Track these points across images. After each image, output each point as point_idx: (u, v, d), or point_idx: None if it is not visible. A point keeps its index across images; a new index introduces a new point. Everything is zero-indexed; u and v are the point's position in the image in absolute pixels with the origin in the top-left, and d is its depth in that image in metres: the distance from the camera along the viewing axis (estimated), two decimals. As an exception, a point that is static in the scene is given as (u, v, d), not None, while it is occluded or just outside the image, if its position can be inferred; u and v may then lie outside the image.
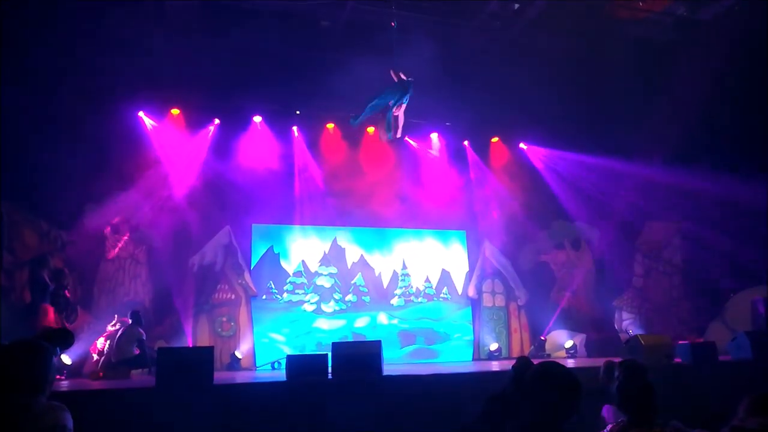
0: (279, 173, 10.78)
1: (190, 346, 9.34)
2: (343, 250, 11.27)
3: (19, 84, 8.24)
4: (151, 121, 10.14)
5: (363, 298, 11.13)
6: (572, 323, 11.82)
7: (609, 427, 2.94)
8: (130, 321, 8.26)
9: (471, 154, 12.32)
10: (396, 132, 8.95)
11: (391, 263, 11.51)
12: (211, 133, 10.52)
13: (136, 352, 8.03)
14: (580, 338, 11.32)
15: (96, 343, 8.19)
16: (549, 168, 12.33)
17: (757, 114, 10.08)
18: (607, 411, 4.02)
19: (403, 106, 8.67)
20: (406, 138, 11.49)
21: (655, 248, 12.71)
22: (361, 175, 11.20)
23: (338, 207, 10.99)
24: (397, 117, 8.79)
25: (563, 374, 2.33)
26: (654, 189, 11.94)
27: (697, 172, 11.20)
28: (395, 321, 11.17)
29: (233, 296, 10.25)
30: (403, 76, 8.59)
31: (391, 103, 8.65)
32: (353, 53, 9.23)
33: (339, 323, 10.78)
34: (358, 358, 6.43)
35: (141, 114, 10.03)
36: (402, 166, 11.57)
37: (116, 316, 8.54)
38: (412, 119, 9.12)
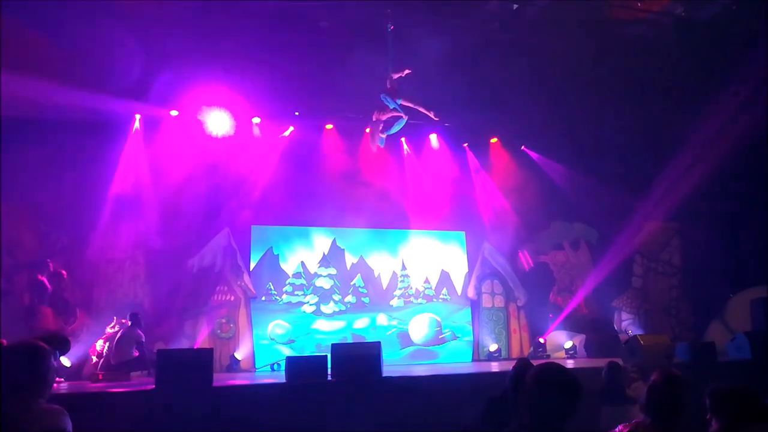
0: (278, 174, 10.76)
1: (190, 347, 9.33)
2: (343, 251, 11.27)
3: (20, 84, 8.22)
4: (150, 123, 10.12)
5: (362, 299, 11.12)
6: (572, 324, 11.81)
7: (630, 423, 2.87)
8: (129, 323, 8.25)
9: (470, 155, 12.33)
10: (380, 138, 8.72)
11: (391, 264, 11.50)
12: (210, 135, 10.49)
13: (135, 354, 8.03)
14: (580, 339, 11.32)
15: (95, 345, 8.19)
16: (547, 168, 12.31)
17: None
18: None
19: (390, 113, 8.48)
20: (401, 139, 11.48)
21: (654, 249, 12.72)
22: (360, 175, 11.19)
23: (337, 208, 10.96)
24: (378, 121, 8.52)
25: (563, 375, 2.33)
26: (652, 189, 11.93)
27: (696, 172, 11.21)
28: (395, 322, 11.16)
29: (232, 298, 10.24)
30: (395, 77, 8.41)
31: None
32: (352, 54, 9.22)
33: (338, 324, 10.77)
34: (358, 359, 6.44)
35: (138, 116, 10.01)
36: (401, 167, 11.56)
37: (115, 318, 8.54)
38: (410, 120, 9.09)
